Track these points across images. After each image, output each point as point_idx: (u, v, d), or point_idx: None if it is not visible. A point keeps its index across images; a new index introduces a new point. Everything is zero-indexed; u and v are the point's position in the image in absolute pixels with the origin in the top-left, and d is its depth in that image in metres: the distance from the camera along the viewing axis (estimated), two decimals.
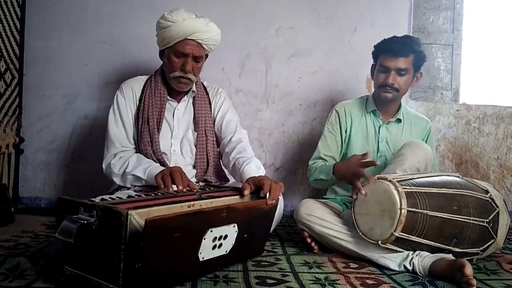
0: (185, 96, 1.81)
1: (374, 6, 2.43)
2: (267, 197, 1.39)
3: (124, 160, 1.66)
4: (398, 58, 1.76)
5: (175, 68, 1.68)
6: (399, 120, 1.90)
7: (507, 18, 2.76)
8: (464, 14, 2.71)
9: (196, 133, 1.78)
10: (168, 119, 1.78)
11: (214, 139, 1.83)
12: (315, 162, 1.87)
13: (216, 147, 1.83)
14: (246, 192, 1.41)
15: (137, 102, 1.75)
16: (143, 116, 1.72)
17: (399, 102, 1.90)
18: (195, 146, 1.79)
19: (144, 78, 1.81)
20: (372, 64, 1.91)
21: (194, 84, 1.80)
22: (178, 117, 1.79)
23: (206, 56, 1.82)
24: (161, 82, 1.77)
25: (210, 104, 1.85)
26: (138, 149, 1.74)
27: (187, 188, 1.43)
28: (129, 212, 1.04)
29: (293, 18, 2.42)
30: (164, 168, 1.60)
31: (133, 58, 2.35)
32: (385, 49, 1.80)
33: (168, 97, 1.78)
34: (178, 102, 1.80)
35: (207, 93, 1.86)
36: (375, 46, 1.88)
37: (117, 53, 2.35)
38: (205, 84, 1.89)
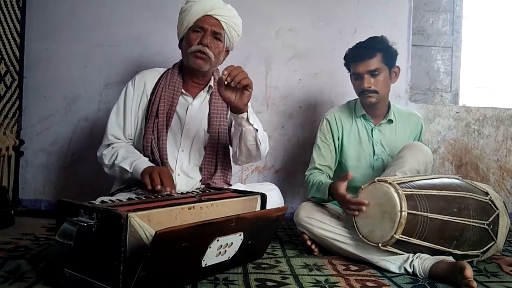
0: (202, 92, 1.73)
1: (374, 8, 2.43)
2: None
3: (114, 151, 1.64)
4: (365, 61, 1.76)
5: (193, 43, 1.64)
6: (390, 121, 1.89)
7: (506, 20, 2.76)
8: (463, 16, 2.71)
9: (208, 134, 1.71)
10: (180, 115, 1.70)
11: (227, 142, 1.74)
12: (311, 174, 1.85)
13: (228, 151, 1.76)
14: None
15: (148, 96, 1.69)
16: (152, 110, 1.65)
17: (386, 101, 1.89)
18: (205, 148, 1.72)
19: (161, 70, 1.76)
20: (350, 75, 1.90)
21: (212, 79, 1.75)
22: (192, 114, 1.71)
23: (227, 52, 1.79)
24: (178, 74, 1.71)
25: None
26: (138, 146, 1.69)
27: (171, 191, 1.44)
28: (129, 214, 1.04)
29: (293, 20, 2.42)
30: (151, 165, 1.57)
31: (133, 60, 2.35)
32: (351, 57, 1.81)
33: (183, 91, 1.71)
34: (194, 98, 1.73)
35: None
36: (344, 58, 1.88)
37: (117, 55, 2.35)
38: None
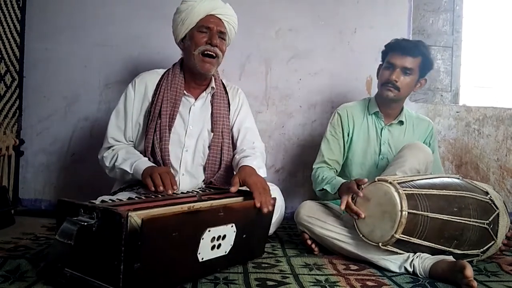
0: (204, 93, 1.74)
1: (374, 8, 2.43)
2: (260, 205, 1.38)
3: (114, 153, 1.64)
4: (405, 57, 1.77)
5: (200, 43, 1.64)
6: (401, 122, 1.90)
7: (506, 20, 2.76)
8: (463, 16, 2.71)
9: (212, 134, 1.72)
10: (183, 115, 1.71)
11: (230, 141, 1.76)
12: (320, 168, 1.84)
13: (231, 150, 1.77)
14: (233, 189, 1.42)
15: (150, 98, 1.69)
16: (155, 111, 1.65)
17: (401, 104, 1.90)
18: (209, 147, 1.73)
19: (160, 71, 1.76)
20: (380, 64, 1.90)
21: (213, 80, 1.75)
22: (195, 114, 1.72)
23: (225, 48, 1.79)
24: (179, 75, 1.72)
25: (229, 104, 1.79)
26: (140, 148, 1.69)
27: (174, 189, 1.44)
28: (129, 213, 1.04)
29: (293, 20, 2.42)
30: (151, 165, 1.57)
31: (133, 60, 2.35)
32: (395, 47, 1.81)
33: (185, 92, 1.71)
34: (196, 99, 1.73)
35: (226, 93, 1.80)
36: (385, 46, 1.88)
37: (117, 55, 2.35)
38: (224, 82, 1.83)
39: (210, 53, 1.65)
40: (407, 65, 1.77)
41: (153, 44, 2.32)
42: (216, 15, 1.67)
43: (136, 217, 1.06)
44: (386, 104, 1.86)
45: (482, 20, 2.74)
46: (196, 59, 1.66)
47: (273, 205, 1.45)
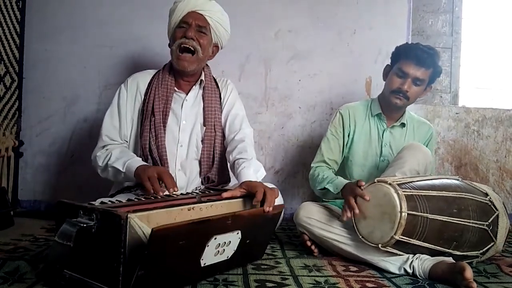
0: (194, 86, 1.76)
1: (373, 9, 2.44)
2: (264, 205, 1.37)
3: (108, 153, 1.64)
4: (419, 68, 1.75)
5: (178, 37, 1.66)
6: (403, 125, 1.89)
7: (506, 21, 2.77)
8: (463, 17, 2.71)
9: (204, 127, 1.74)
10: (176, 111, 1.72)
11: (222, 134, 1.78)
12: (319, 167, 1.83)
13: (223, 144, 1.79)
14: (224, 194, 1.40)
15: (142, 96, 1.72)
16: (148, 109, 1.67)
17: (405, 109, 1.90)
18: (202, 141, 1.74)
19: (152, 72, 1.78)
20: (387, 65, 1.89)
21: (203, 74, 1.77)
22: (187, 109, 1.74)
23: (217, 48, 1.80)
24: (169, 74, 1.74)
25: (220, 97, 1.80)
26: (135, 146, 1.70)
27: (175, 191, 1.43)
28: (128, 215, 1.04)
29: (292, 21, 2.42)
30: (146, 164, 1.56)
31: (133, 61, 2.36)
32: (410, 55, 1.76)
33: (176, 89, 1.73)
34: (187, 94, 1.75)
35: (218, 86, 1.82)
36: (397, 48, 1.85)
37: (117, 56, 2.36)
38: (214, 76, 1.84)
39: (186, 46, 1.65)
40: (419, 76, 1.75)
41: (153, 45, 2.33)
42: (197, 11, 1.68)
43: (138, 221, 1.05)
44: (391, 109, 1.86)
45: (481, 21, 2.75)
46: (174, 55, 1.68)
47: (280, 212, 1.44)
